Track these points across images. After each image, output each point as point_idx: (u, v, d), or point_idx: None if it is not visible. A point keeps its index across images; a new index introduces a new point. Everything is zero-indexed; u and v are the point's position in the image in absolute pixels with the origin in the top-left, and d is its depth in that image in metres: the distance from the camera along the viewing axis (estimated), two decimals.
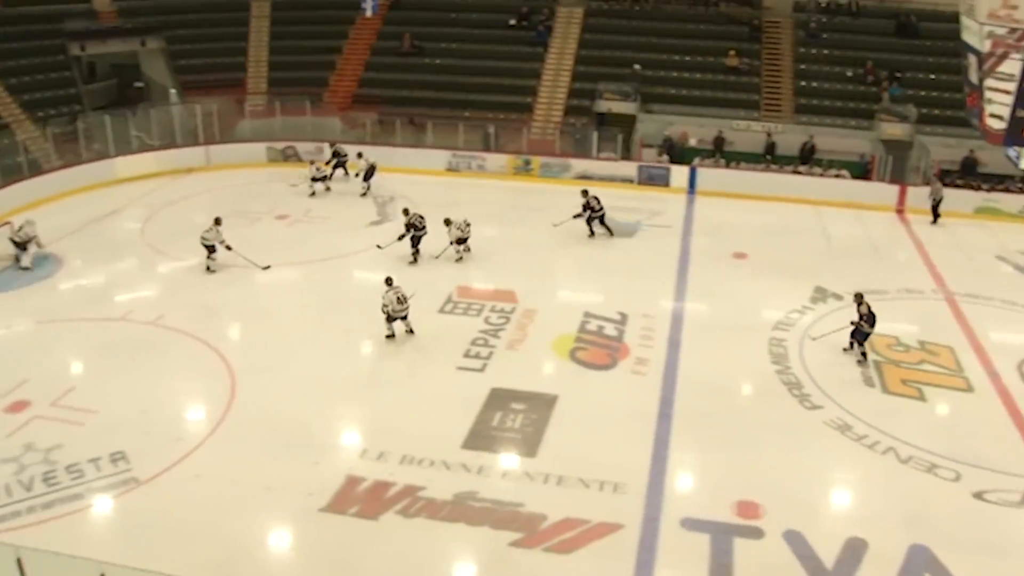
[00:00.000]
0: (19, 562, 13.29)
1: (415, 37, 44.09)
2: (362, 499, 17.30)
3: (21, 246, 28.25)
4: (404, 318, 23.67)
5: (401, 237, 28.57)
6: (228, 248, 27.99)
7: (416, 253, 28.59)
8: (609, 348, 23.08)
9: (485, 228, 31.53)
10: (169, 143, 39.61)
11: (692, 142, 37.82)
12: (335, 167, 36.95)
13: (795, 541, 16.12)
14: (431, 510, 16.99)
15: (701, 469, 18.38)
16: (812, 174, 35.77)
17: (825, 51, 41.12)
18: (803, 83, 39.98)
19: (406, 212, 29.00)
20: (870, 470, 18.42)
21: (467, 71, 42.67)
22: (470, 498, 17.26)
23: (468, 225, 28.90)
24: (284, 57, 45.27)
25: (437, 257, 28.44)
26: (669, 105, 39.46)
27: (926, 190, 33.23)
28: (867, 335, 22.31)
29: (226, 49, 45.72)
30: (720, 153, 37.14)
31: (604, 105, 39.85)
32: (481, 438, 19.17)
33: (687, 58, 41.41)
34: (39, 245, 28.67)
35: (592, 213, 30.42)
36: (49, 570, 13.51)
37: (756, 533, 16.35)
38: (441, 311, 25.20)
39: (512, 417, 19.91)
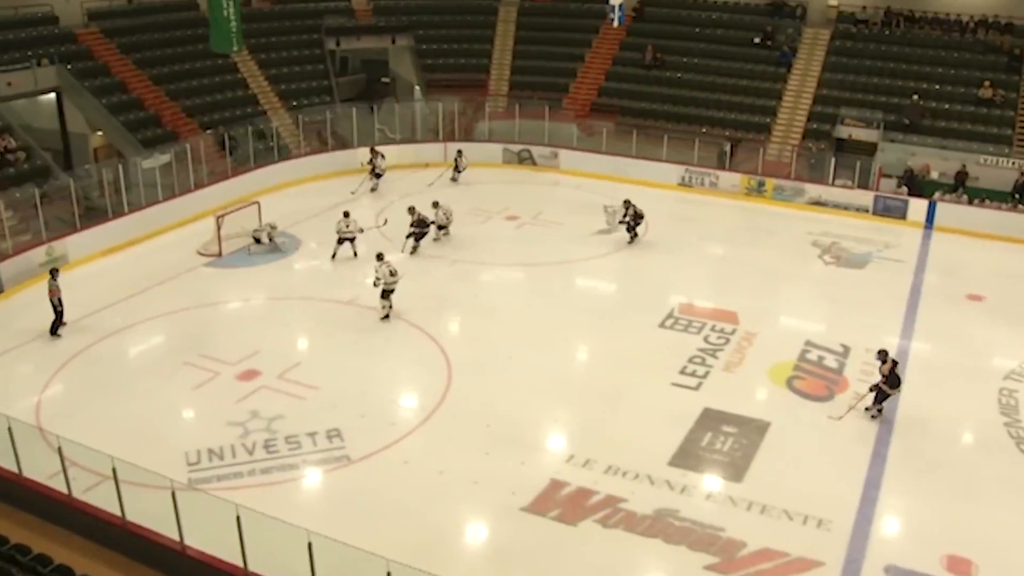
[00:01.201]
0: (238, 520, 14.27)
1: (658, 49, 44.13)
2: (563, 503, 17.60)
3: (257, 240, 29.93)
4: (392, 292, 25.01)
5: (410, 235, 29.82)
6: (361, 231, 29.81)
7: (416, 246, 30.10)
8: (828, 380, 22.58)
9: (712, 247, 31.56)
10: (409, 138, 41.20)
11: (934, 175, 36.28)
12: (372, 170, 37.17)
13: None
14: (630, 523, 17.12)
15: (912, 515, 17.78)
16: None
17: None
18: None
19: (412, 211, 29.96)
20: None
21: (707, 87, 42.46)
22: (671, 516, 17.30)
23: (451, 213, 31.37)
24: (527, 62, 46.23)
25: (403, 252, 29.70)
26: (913, 135, 38.06)
27: None
28: (887, 396, 20.68)
29: (471, 51, 47.17)
30: (963, 188, 35.54)
31: (845, 131, 38.72)
32: (688, 457, 19.15)
33: (936, 86, 39.76)
34: (271, 238, 30.38)
35: (633, 221, 31.13)
36: (263, 531, 14.46)
37: None
38: (661, 326, 25.22)
39: (722, 439, 19.80)
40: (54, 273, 24.58)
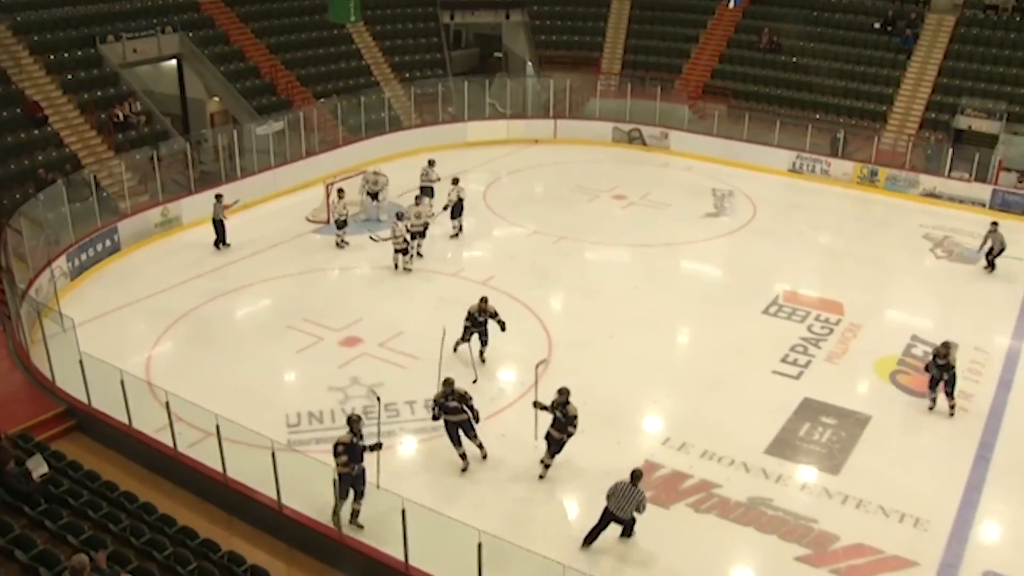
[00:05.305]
0: (334, 482, 14.60)
1: (774, 33, 43.39)
2: (657, 486, 17.53)
3: (374, 196, 30.22)
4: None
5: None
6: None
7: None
8: None
9: (821, 235, 31.08)
10: (519, 113, 41.26)
11: None
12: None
13: None
14: (723, 509, 17.04)
15: (1014, 522, 17.27)
16: None
17: None
18: None
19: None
20: None
21: (823, 72, 41.48)
22: (764, 504, 17.16)
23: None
24: (641, 41, 45.90)
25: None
26: None
27: None
28: (562, 443, 17.66)
29: (585, 28, 47.00)
30: None
31: (964, 121, 37.55)
32: (785, 446, 18.95)
33: None
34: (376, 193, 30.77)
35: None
36: None
37: None
38: (765, 312, 24.93)
39: (820, 430, 19.53)
40: (219, 197, 27.67)
